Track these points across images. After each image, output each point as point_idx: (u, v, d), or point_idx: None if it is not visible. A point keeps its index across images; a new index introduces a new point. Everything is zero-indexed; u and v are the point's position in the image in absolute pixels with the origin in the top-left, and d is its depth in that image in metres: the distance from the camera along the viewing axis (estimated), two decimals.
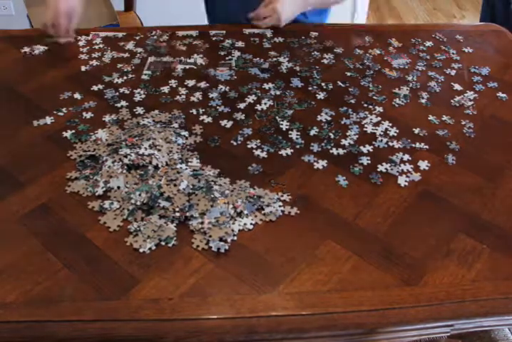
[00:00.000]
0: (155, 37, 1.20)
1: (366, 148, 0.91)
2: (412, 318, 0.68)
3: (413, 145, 0.93)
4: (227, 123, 0.96)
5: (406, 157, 0.90)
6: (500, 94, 1.07)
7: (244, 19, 1.24)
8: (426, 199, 0.83)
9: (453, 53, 1.19)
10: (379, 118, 0.98)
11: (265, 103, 1.00)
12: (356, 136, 0.94)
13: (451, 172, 0.88)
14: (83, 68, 1.09)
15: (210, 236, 0.74)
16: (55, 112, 0.97)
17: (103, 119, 0.95)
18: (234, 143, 0.92)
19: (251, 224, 0.77)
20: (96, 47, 1.15)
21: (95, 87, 1.03)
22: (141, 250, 0.72)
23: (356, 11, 2.69)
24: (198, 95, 1.02)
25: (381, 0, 3.26)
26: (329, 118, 0.98)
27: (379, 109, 1.00)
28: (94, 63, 1.10)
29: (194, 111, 0.98)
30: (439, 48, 1.21)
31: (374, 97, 1.04)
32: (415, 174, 0.87)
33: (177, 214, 0.76)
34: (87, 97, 1.01)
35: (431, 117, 0.99)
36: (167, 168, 0.82)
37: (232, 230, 0.75)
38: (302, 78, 1.08)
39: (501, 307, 0.69)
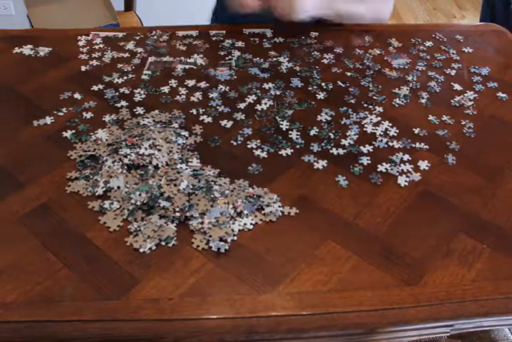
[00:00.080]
0: (155, 37, 1.19)
1: (366, 148, 0.91)
2: (412, 318, 0.68)
3: (413, 145, 0.93)
4: (227, 123, 0.96)
5: (406, 157, 0.90)
6: (500, 94, 1.07)
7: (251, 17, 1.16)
8: (426, 199, 0.83)
9: (453, 53, 1.19)
10: (379, 118, 0.98)
11: (265, 103, 1.00)
12: (356, 136, 0.94)
13: (451, 172, 0.88)
14: (83, 68, 1.08)
15: (210, 236, 0.74)
16: (55, 112, 0.97)
17: (103, 119, 0.95)
18: (234, 143, 0.92)
19: (251, 224, 0.77)
20: (96, 47, 1.15)
21: (95, 87, 1.03)
22: (141, 250, 0.72)
23: None
24: (198, 95, 1.02)
25: None
26: (329, 118, 0.98)
27: (379, 109, 1.00)
28: (94, 63, 1.10)
29: (194, 111, 0.98)
30: (439, 48, 1.20)
31: (374, 97, 1.04)
32: (415, 174, 0.87)
33: (177, 214, 0.76)
34: (87, 97, 1.01)
35: (431, 117, 0.99)
36: (167, 168, 0.82)
37: (232, 230, 0.75)
38: (302, 78, 1.08)
39: (501, 307, 0.69)
